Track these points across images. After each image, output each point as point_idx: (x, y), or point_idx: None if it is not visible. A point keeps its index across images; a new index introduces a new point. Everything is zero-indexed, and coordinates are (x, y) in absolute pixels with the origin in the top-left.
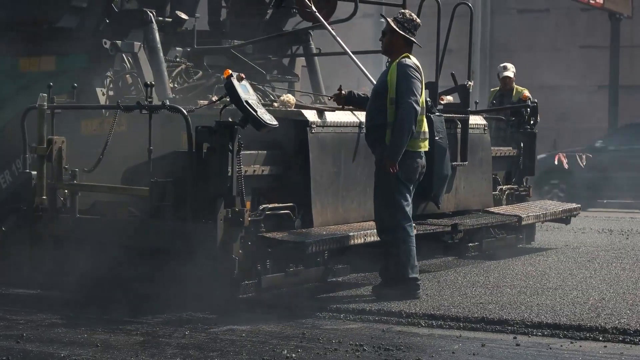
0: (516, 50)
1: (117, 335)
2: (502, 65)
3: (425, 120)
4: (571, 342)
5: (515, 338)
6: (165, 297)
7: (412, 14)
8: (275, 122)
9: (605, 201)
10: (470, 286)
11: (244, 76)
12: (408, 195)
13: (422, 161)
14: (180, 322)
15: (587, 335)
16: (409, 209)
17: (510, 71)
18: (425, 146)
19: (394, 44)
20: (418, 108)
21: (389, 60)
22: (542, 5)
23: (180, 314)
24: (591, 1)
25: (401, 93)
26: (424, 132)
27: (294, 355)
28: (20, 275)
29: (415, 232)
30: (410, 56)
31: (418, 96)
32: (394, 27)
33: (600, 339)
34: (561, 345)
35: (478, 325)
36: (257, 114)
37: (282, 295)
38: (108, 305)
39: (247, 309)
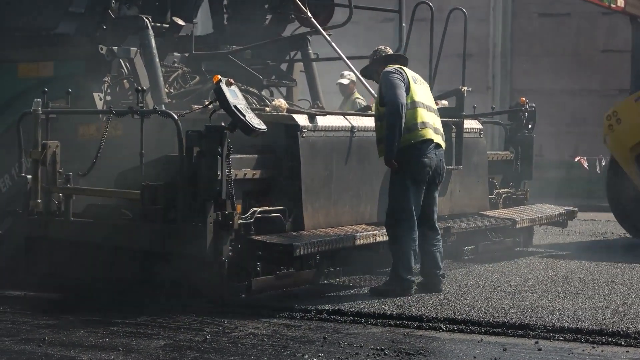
0: (537, 54)
1: (139, 339)
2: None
3: (423, 112)
4: (593, 347)
5: (537, 343)
6: (156, 299)
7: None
8: (263, 127)
9: None
10: (492, 290)
11: (232, 81)
12: (412, 196)
13: (432, 157)
14: (202, 326)
15: (609, 340)
16: (413, 210)
17: (346, 78)
18: (427, 134)
19: (380, 73)
20: (402, 100)
21: None
22: (563, 9)
23: (201, 317)
24: (612, 5)
25: (385, 95)
26: (423, 123)
27: (315, 359)
28: (27, 278)
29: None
30: (393, 65)
31: (400, 90)
32: (370, 65)
33: (623, 343)
34: (583, 350)
35: (499, 330)
36: (245, 119)
37: (303, 299)
38: (118, 308)
39: (267, 313)
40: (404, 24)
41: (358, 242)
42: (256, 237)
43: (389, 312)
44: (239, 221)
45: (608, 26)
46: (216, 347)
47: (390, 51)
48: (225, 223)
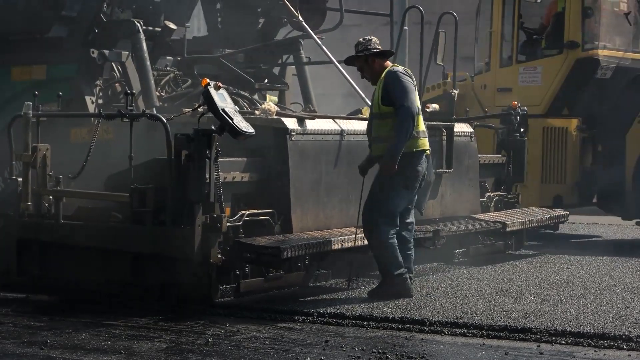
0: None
1: (140, 342)
2: None
3: (421, 119)
4: (595, 351)
5: (538, 346)
6: (145, 301)
7: (365, 38)
8: (251, 130)
9: None
10: (494, 294)
11: (221, 85)
12: (402, 202)
13: (424, 164)
14: (204, 329)
15: (611, 343)
16: (398, 215)
17: None
18: (425, 144)
19: (374, 68)
20: (415, 109)
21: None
22: None
23: (203, 320)
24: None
25: (396, 98)
26: (423, 132)
27: None
28: (18, 281)
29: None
30: (397, 65)
31: (415, 96)
32: (360, 56)
33: (624, 347)
34: (585, 354)
35: (501, 334)
36: (232, 122)
37: (305, 303)
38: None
39: (269, 317)
40: (405, 27)
41: (347, 244)
42: (244, 240)
43: (390, 316)
44: (228, 224)
45: None
46: (218, 350)
47: (377, 43)
48: (214, 226)
